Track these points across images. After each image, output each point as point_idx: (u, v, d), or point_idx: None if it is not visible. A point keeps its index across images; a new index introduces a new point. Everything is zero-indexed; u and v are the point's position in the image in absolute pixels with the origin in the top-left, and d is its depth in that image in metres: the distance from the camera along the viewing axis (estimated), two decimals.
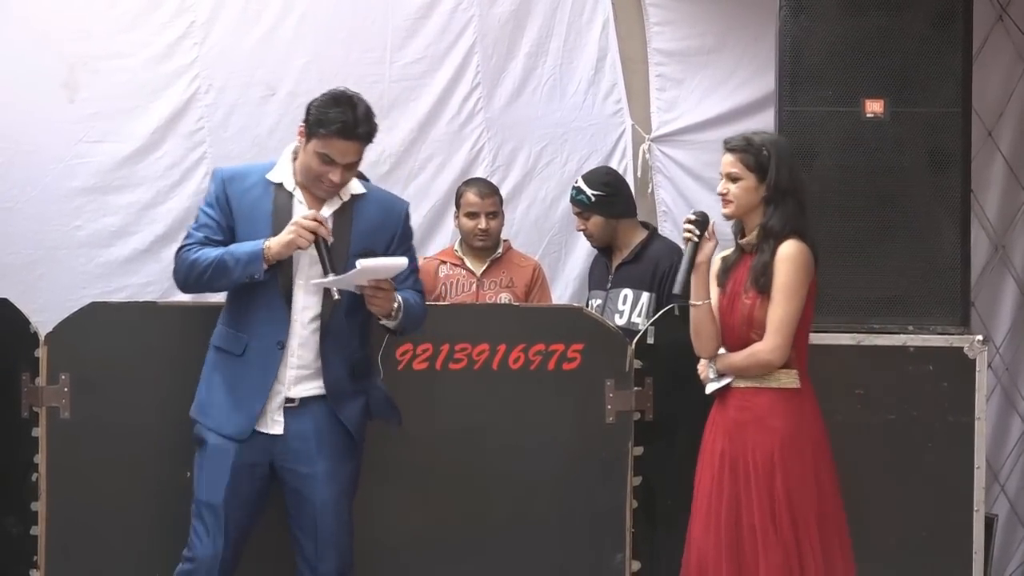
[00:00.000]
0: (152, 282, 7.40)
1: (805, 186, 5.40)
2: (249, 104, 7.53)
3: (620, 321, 6.66)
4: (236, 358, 5.29)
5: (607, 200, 6.84)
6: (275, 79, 7.55)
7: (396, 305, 5.30)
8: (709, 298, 5.38)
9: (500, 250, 7.07)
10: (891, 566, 5.94)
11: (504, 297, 6.93)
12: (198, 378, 5.54)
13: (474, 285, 6.98)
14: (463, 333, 5.79)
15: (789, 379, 5.29)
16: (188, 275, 5.28)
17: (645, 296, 6.66)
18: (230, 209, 5.30)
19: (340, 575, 5.35)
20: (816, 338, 5.90)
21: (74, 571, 5.72)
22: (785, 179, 5.28)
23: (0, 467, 5.72)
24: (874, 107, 6.04)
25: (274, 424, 5.29)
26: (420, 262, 7.21)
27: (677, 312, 5.73)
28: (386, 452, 5.76)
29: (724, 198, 5.35)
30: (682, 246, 5.43)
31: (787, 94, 6.08)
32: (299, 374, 5.29)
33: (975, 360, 5.96)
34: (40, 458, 5.68)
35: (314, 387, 5.32)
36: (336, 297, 5.16)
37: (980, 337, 6.00)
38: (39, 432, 5.68)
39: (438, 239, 7.67)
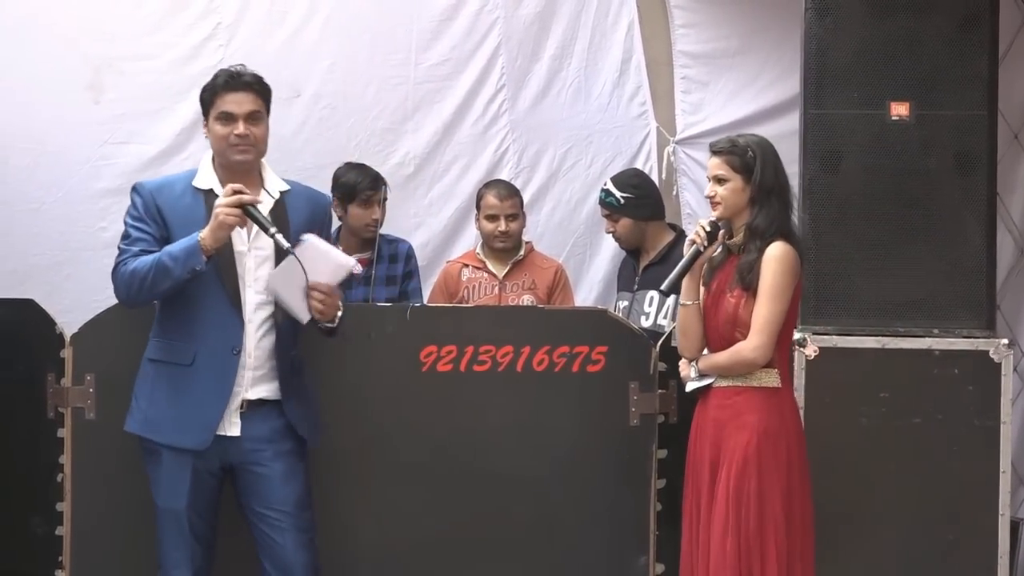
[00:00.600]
0: None
1: (789, 187, 5.41)
2: (274, 106, 7.36)
3: (646, 323, 6.67)
4: (183, 368, 5.22)
5: (636, 202, 6.85)
6: (300, 81, 7.56)
7: (339, 311, 5.27)
8: (699, 299, 5.40)
9: (522, 252, 7.06)
10: (916, 570, 5.93)
11: (526, 299, 6.92)
12: None
13: (496, 288, 6.98)
14: (487, 335, 5.79)
15: (770, 378, 5.29)
16: (130, 286, 5.19)
17: (671, 298, 6.65)
18: (163, 220, 5.22)
19: (315, 566, 5.34)
20: (841, 341, 5.91)
21: (99, 571, 5.73)
22: (770, 179, 5.30)
23: (25, 468, 5.74)
24: (900, 110, 6.03)
25: (231, 426, 5.24)
26: (444, 265, 7.26)
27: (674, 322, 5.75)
28: (409, 454, 5.77)
29: (712, 200, 5.36)
30: (686, 245, 5.41)
31: (812, 96, 6.07)
32: (255, 375, 5.25)
33: (1000, 364, 5.94)
34: (65, 459, 5.69)
35: (268, 389, 5.29)
36: (285, 246, 5.03)
37: (1006, 340, 5.99)
38: (64, 433, 5.69)
39: (462, 241, 7.67)
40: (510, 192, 7.06)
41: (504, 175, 7.65)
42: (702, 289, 5.42)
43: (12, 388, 5.74)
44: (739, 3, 7.72)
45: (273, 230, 5.07)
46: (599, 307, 6.84)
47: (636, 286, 6.88)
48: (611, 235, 7.01)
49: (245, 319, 5.22)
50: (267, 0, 7.56)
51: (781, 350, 5.31)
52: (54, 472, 5.70)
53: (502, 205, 6.97)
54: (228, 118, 5.24)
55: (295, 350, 5.37)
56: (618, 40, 7.84)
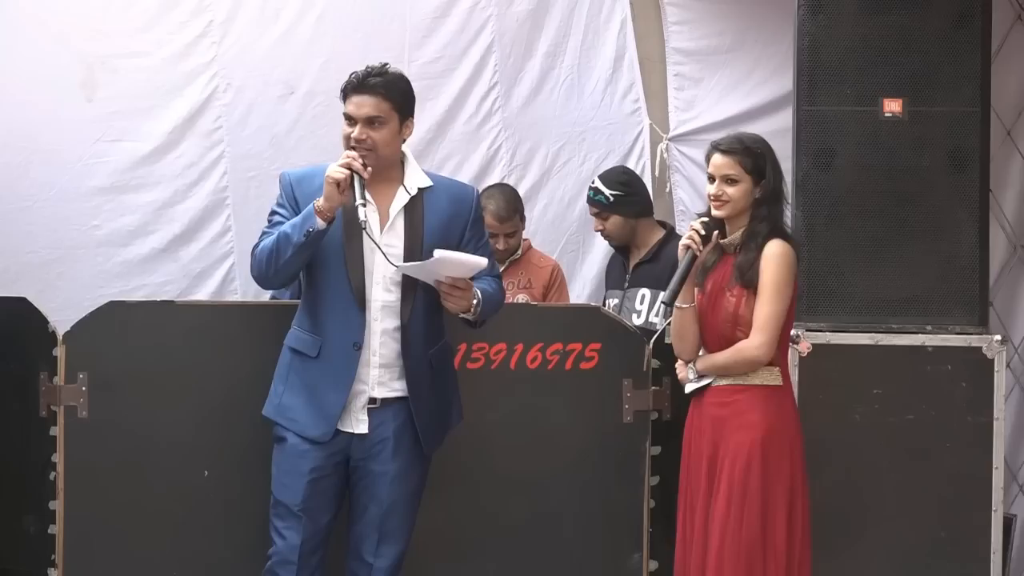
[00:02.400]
0: (170, 281, 7.42)
1: (785, 187, 5.42)
2: (267, 103, 7.55)
3: (638, 321, 6.66)
4: (312, 360, 5.25)
5: (625, 200, 6.84)
6: (293, 78, 7.56)
7: (475, 301, 5.28)
8: (694, 302, 5.38)
9: (519, 251, 7.06)
10: (909, 566, 5.93)
11: (521, 298, 6.91)
12: (216, 376, 5.62)
13: None
14: (481, 332, 5.75)
15: (771, 376, 5.28)
16: (261, 263, 5.21)
17: (663, 294, 6.64)
18: (300, 209, 5.23)
19: (394, 569, 5.35)
20: (834, 338, 5.91)
21: (91, 570, 5.71)
22: (778, 181, 5.32)
23: (18, 466, 5.73)
24: (893, 106, 6.03)
25: (359, 423, 5.26)
26: None
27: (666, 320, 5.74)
28: None
29: (719, 199, 5.31)
30: (682, 252, 5.36)
31: (805, 93, 6.07)
32: (381, 373, 5.26)
33: (993, 360, 5.95)
34: (58, 457, 5.68)
35: (397, 388, 5.29)
36: (363, 219, 5.05)
37: (999, 337, 5.99)
38: (57, 431, 5.68)
39: None
40: (510, 212, 7.00)
41: (497, 173, 7.65)
42: (695, 291, 5.41)
43: (4, 386, 5.73)
44: (732, 0, 7.72)
45: (359, 203, 5.08)
46: (592, 304, 6.83)
47: (627, 284, 6.87)
48: (600, 233, 6.99)
49: (371, 317, 5.23)
50: None
51: (781, 348, 5.30)
52: (47, 470, 5.68)
53: (501, 227, 6.94)
54: (348, 120, 5.26)
55: (434, 348, 5.37)
56: (611, 37, 7.84)
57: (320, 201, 5.11)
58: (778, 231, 5.28)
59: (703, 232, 5.30)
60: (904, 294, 6.03)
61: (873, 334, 5.98)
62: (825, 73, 6.05)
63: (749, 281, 5.24)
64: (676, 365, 5.51)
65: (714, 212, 5.35)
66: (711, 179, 5.35)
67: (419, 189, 5.33)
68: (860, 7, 6.03)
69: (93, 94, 7.37)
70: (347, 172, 5.10)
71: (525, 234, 7.20)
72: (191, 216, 7.46)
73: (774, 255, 5.22)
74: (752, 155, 5.29)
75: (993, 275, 6.78)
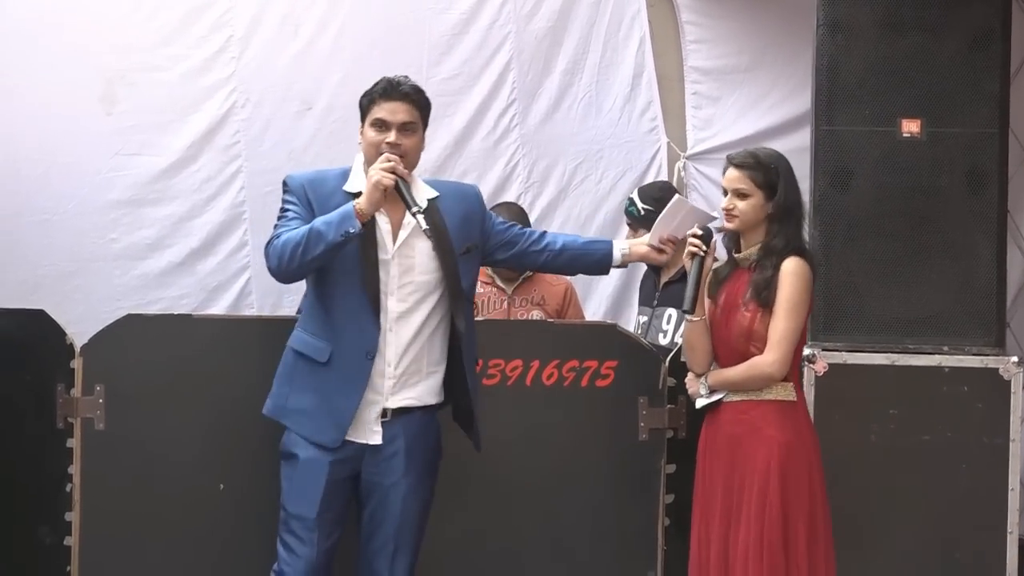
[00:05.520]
0: (187, 294, 7.43)
1: (802, 202, 5.40)
2: (285, 118, 7.57)
3: (664, 340, 6.62)
4: (321, 366, 5.21)
5: (655, 216, 6.81)
6: (311, 94, 7.58)
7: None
8: (705, 314, 5.38)
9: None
10: None
11: (535, 314, 6.91)
12: (232, 390, 5.62)
13: (505, 303, 6.97)
14: (497, 349, 5.78)
15: (785, 392, 5.27)
16: (282, 255, 5.11)
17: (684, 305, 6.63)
18: (313, 211, 5.19)
19: None
20: (851, 357, 5.91)
21: None
22: (791, 198, 5.29)
23: (34, 478, 5.73)
24: (911, 127, 6.03)
25: (372, 434, 5.24)
26: None
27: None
28: None
29: (729, 213, 5.32)
30: (687, 262, 5.36)
31: (824, 113, 6.07)
32: (398, 383, 5.25)
33: (1010, 381, 5.94)
34: (74, 469, 5.69)
35: (410, 397, 5.28)
36: (424, 227, 5.07)
37: (1015, 358, 5.98)
38: (73, 443, 5.69)
39: None
40: None
41: (514, 189, 7.65)
42: (708, 303, 5.41)
43: (22, 398, 5.74)
44: (751, 19, 7.73)
45: (416, 209, 5.09)
46: (608, 322, 6.83)
47: (656, 302, 6.84)
48: None
49: (386, 327, 5.21)
50: (279, 13, 7.58)
51: (794, 364, 5.30)
52: (63, 482, 5.69)
53: None
54: (382, 126, 5.23)
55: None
56: (629, 55, 7.85)
57: (362, 203, 5.07)
58: (795, 248, 5.27)
59: (701, 233, 5.31)
60: (921, 314, 6.03)
61: (889, 354, 5.98)
62: (843, 93, 6.05)
63: (766, 301, 5.23)
64: (687, 379, 5.51)
65: (725, 225, 5.36)
66: (725, 192, 5.36)
67: (428, 200, 5.30)
68: (879, 27, 6.03)
69: (112, 108, 7.40)
70: (394, 177, 5.09)
71: None
72: (208, 230, 7.48)
73: (791, 272, 5.22)
74: (764, 170, 5.29)
75: (1010, 296, 6.78)
